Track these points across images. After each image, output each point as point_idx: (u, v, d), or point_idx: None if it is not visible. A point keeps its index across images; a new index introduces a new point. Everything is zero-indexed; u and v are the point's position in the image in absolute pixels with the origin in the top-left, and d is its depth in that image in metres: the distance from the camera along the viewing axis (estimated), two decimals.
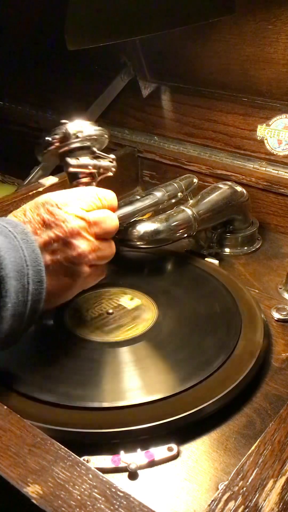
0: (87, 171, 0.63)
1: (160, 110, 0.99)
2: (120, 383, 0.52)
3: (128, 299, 0.65)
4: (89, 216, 0.56)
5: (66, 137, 0.63)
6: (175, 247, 0.76)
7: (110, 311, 0.63)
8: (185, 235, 0.73)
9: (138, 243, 0.69)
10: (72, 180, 0.64)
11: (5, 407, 0.42)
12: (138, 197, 0.73)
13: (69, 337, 0.59)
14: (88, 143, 0.64)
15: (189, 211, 0.72)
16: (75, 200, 0.56)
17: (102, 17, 0.71)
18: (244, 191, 0.80)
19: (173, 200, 0.76)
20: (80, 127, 0.63)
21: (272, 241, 0.85)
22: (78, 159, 0.63)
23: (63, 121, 0.65)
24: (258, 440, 0.39)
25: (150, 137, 1.01)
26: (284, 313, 0.66)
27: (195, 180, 0.80)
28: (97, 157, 0.65)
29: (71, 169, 0.63)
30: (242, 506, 0.34)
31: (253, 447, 0.39)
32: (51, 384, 0.52)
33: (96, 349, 0.57)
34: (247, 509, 0.34)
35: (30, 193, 0.83)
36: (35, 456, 0.37)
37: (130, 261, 0.75)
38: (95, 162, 0.64)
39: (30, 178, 0.96)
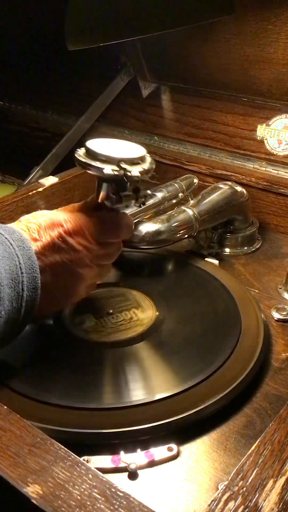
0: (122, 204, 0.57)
1: (160, 110, 0.99)
2: (120, 383, 0.52)
3: (128, 299, 0.65)
4: (98, 249, 0.56)
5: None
6: (175, 247, 0.76)
7: (110, 311, 0.63)
8: (186, 235, 0.73)
9: (139, 244, 0.69)
10: (99, 190, 0.57)
11: (5, 407, 0.42)
12: None
13: (68, 337, 0.59)
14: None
15: (190, 212, 0.72)
16: (91, 232, 0.55)
17: (102, 17, 0.71)
18: (244, 191, 0.80)
19: (174, 201, 0.76)
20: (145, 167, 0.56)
21: (272, 241, 0.85)
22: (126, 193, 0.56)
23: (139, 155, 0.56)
24: (258, 440, 0.39)
25: (150, 137, 1.01)
26: (284, 313, 0.66)
27: (196, 180, 0.80)
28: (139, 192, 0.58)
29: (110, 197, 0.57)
30: (242, 506, 0.34)
31: (253, 447, 0.39)
32: (51, 384, 0.52)
33: (96, 349, 0.57)
34: (247, 509, 0.34)
35: (30, 193, 0.83)
36: (35, 456, 0.37)
37: (130, 261, 0.75)
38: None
39: (30, 178, 0.96)
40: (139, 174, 0.54)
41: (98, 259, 0.57)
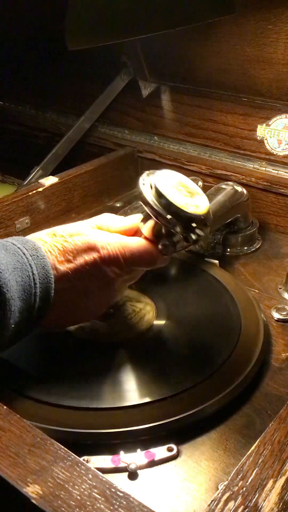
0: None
1: (160, 110, 0.99)
2: (120, 383, 0.52)
3: (128, 300, 0.65)
4: (128, 274, 0.55)
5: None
6: None
7: (111, 311, 0.63)
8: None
9: None
10: (145, 222, 0.55)
11: (5, 407, 0.42)
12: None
13: (68, 337, 0.59)
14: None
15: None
16: (127, 262, 0.53)
17: (102, 17, 0.71)
18: (245, 191, 0.80)
19: None
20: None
21: (272, 241, 0.85)
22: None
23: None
24: (258, 440, 0.39)
25: (150, 137, 1.01)
26: (284, 313, 0.66)
27: (200, 183, 0.78)
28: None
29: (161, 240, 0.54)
30: (242, 506, 0.34)
31: (253, 447, 0.39)
32: (51, 384, 0.52)
33: (96, 349, 0.57)
34: (246, 509, 0.34)
35: (30, 193, 0.83)
36: (34, 456, 0.37)
37: None
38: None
39: (30, 178, 0.96)
40: (203, 234, 0.52)
41: (125, 282, 0.56)
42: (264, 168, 0.87)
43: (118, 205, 0.96)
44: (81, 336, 0.59)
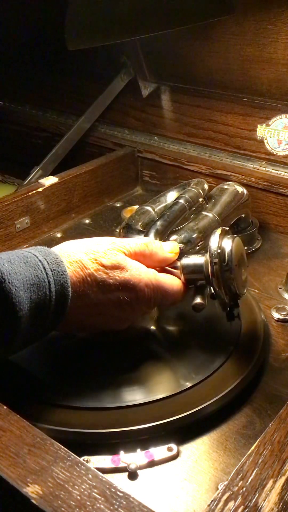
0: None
1: (160, 110, 0.99)
2: (120, 383, 0.52)
3: None
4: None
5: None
6: None
7: None
8: None
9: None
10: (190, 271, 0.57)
11: (5, 407, 0.42)
12: (162, 203, 0.72)
13: (68, 337, 0.59)
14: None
15: (210, 215, 0.70)
16: (154, 302, 0.54)
17: (102, 17, 0.71)
18: (245, 191, 0.80)
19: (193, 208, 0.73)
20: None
21: (272, 241, 0.85)
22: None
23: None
24: (258, 440, 0.39)
25: (150, 137, 1.01)
26: (284, 313, 0.66)
27: (206, 186, 0.77)
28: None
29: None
30: (242, 506, 0.34)
31: (252, 447, 0.39)
32: (50, 384, 0.52)
33: (96, 349, 0.57)
34: (246, 509, 0.34)
35: (30, 193, 0.83)
36: (34, 456, 0.37)
37: None
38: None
39: (30, 178, 0.96)
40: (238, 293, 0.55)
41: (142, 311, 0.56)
42: (264, 168, 0.87)
43: (118, 205, 0.96)
44: (81, 335, 0.59)
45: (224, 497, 0.35)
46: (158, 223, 0.65)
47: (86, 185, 0.92)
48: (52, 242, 0.85)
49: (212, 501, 0.34)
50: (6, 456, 0.37)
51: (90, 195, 0.94)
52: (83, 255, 0.51)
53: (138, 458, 0.46)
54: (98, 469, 0.43)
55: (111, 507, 0.33)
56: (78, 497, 0.34)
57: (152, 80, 0.98)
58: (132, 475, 0.46)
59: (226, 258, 0.53)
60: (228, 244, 0.54)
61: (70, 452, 0.38)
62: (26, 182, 0.96)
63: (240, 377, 0.53)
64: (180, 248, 0.60)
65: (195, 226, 0.67)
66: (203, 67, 0.90)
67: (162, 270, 0.57)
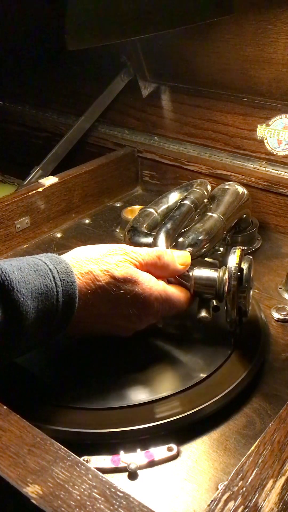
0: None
1: (160, 110, 0.99)
2: (120, 383, 0.52)
3: None
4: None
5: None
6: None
7: None
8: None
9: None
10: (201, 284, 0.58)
11: (5, 407, 0.42)
12: (168, 206, 0.72)
13: (68, 337, 0.59)
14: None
15: (215, 215, 0.70)
16: (161, 315, 0.55)
17: (102, 17, 0.71)
18: (245, 191, 0.80)
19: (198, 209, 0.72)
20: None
21: (272, 241, 0.85)
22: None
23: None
24: (258, 440, 0.39)
25: (150, 137, 1.01)
26: (284, 313, 0.66)
27: (209, 186, 0.77)
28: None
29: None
30: (242, 506, 0.34)
31: (252, 447, 0.39)
32: (50, 384, 0.52)
33: (95, 350, 0.57)
34: (246, 509, 0.34)
35: (30, 193, 0.83)
36: (34, 456, 0.37)
37: None
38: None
39: (30, 178, 0.96)
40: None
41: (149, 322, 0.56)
42: (264, 168, 0.87)
43: (118, 205, 0.96)
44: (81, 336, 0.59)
45: (224, 497, 0.35)
46: (169, 226, 0.64)
47: (86, 185, 0.92)
48: (52, 242, 0.85)
49: (212, 501, 0.34)
50: (6, 456, 0.37)
51: (90, 195, 0.94)
52: (94, 266, 0.51)
53: (138, 458, 0.46)
54: (98, 469, 0.43)
55: (111, 507, 0.33)
56: (78, 497, 0.34)
57: (152, 80, 0.98)
58: (132, 475, 0.46)
59: (244, 280, 0.54)
60: (246, 266, 0.55)
61: (70, 452, 0.38)
62: (26, 182, 0.96)
63: (240, 377, 0.53)
64: (188, 251, 0.61)
65: (201, 227, 0.67)
66: (203, 67, 0.90)
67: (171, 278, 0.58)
